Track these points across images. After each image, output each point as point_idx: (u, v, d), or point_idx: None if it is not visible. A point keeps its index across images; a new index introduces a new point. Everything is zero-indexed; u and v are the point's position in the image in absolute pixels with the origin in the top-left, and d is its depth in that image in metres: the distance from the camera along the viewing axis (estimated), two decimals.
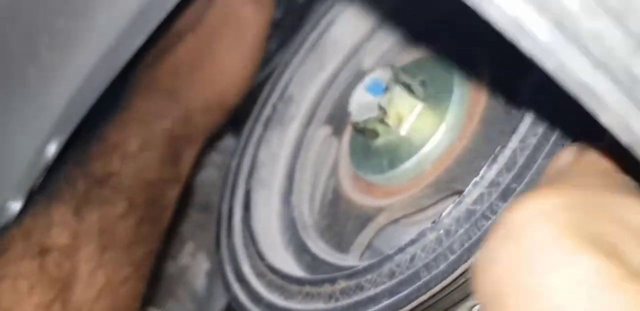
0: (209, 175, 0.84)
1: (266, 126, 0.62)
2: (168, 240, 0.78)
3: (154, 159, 0.64)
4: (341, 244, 0.52)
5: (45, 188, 0.61)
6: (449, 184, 0.47)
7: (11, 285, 0.55)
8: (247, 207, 0.57)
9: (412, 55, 0.58)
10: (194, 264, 0.86)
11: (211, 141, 0.71)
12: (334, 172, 0.58)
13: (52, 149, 0.60)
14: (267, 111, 0.63)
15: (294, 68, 0.64)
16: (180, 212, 0.81)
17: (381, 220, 0.51)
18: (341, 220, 0.53)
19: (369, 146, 0.53)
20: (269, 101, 0.64)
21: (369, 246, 0.53)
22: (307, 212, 0.57)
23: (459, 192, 0.42)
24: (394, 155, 0.51)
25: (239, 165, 0.61)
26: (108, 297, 0.58)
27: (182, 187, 0.67)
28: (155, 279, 0.76)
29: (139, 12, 0.59)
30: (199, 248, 0.85)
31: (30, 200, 0.60)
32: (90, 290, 0.57)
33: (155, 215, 0.63)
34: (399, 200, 0.50)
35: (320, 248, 0.52)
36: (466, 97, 0.50)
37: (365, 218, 0.51)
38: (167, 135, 0.65)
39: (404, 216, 0.51)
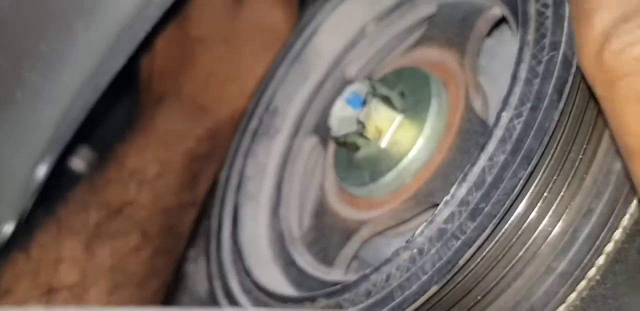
0: None
1: (253, 139, 0.63)
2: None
3: (172, 185, 0.61)
4: (326, 257, 0.52)
5: (54, 209, 0.58)
6: (427, 198, 0.47)
7: None
8: (235, 222, 0.58)
9: (393, 64, 0.58)
10: (195, 270, 0.87)
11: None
12: (320, 183, 0.58)
13: (42, 170, 0.61)
14: (253, 124, 0.64)
15: (279, 79, 0.64)
16: None
17: (364, 233, 0.51)
18: (327, 232, 0.54)
19: (351, 159, 0.54)
20: (255, 113, 0.64)
21: (355, 257, 0.53)
22: (295, 225, 0.58)
23: (437, 206, 0.42)
24: (375, 168, 0.51)
25: (227, 178, 0.62)
26: None
27: (199, 210, 0.64)
28: None
29: (119, 34, 0.59)
30: (200, 254, 0.87)
31: (38, 220, 0.58)
32: None
33: (171, 244, 0.61)
34: (381, 213, 0.51)
35: (307, 262, 0.53)
36: (444, 108, 0.50)
37: (349, 231, 0.52)
38: (188, 157, 0.62)
39: (387, 228, 0.51)
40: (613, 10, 0.31)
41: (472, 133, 0.46)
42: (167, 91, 0.66)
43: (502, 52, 0.53)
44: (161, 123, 0.63)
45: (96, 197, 0.59)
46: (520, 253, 0.38)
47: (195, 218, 0.64)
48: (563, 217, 0.38)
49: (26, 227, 0.60)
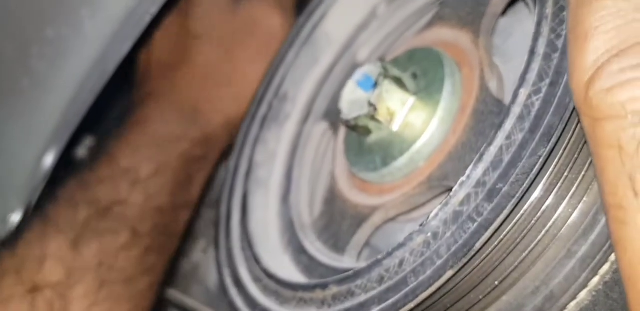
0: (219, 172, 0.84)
1: (262, 125, 0.61)
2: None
3: (166, 185, 0.60)
4: (338, 244, 0.51)
5: (42, 206, 0.58)
6: (441, 182, 0.46)
7: None
8: (244, 209, 0.56)
9: (405, 45, 0.57)
10: (205, 260, 0.86)
11: (224, 156, 0.66)
12: (331, 169, 0.57)
13: (49, 159, 0.60)
14: (262, 109, 0.62)
15: (288, 64, 0.63)
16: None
17: (376, 219, 0.50)
18: (337, 219, 0.52)
19: (362, 143, 0.52)
20: (265, 99, 0.63)
21: (367, 244, 0.52)
22: (305, 212, 0.56)
23: (451, 190, 0.41)
24: (387, 152, 0.50)
25: (236, 165, 0.60)
26: None
27: (194, 211, 0.63)
28: (171, 277, 0.76)
29: (124, 18, 0.58)
30: (210, 245, 0.86)
31: (26, 218, 0.58)
32: None
33: (163, 243, 0.60)
34: (393, 198, 0.49)
35: (317, 249, 0.51)
36: (458, 88, 0.48)
37: (360, 217, 0.50)
38: (184, 159, 0.61)
39: (400, 214, 0.50)
40: (609, 38, 0.30)
41: (487, 114, 0.45)
42: (161, 88, 0.64)
43: (518, 31, 0.51)
44: (155, 123, 0.62)
45: (86, 194, 0.58)
46: (540, 236, 0.36)
47: (189, 219, 0.63)
48: (584, 198, 0.36)
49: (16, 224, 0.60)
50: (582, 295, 0.37)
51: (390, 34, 0.60)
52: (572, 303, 0.37)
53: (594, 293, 0.36)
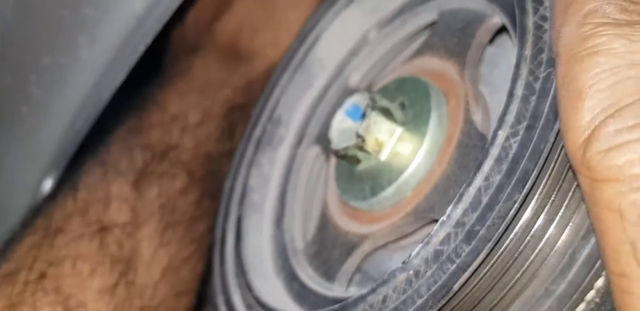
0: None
1: (257, 148, 0.63)
2: None
3: (214, 132, 0.61)
4: (328, 272, 0.52)
5: (96, 154, 0.56)
6: (427, 214, 0.47)
7: (71, 267, 0.50)
8: (238, 234, 0.57)
9: (395, 72, 0.57)
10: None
11: None
12: (323, 195, 0.58)
13: (49, 184, 0.61)
14: (257, 133, 0.63)
15: (282, 87, 0.64)
16: None
17: (366, 248, 0.51)
18: (328, 246, 0.53)
19: (352, 171, 0.53)
20: (259, 122, 0.64)
21: (358, 269, 0.53)
22: (298, 236, 0.57)
23: (437, 221, 0.42)
24: (376, 182, 0.51)
25: (231, 189, 0.61)
26: (171, 278, 0.54)
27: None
28: None
29: (120, 47, 0.59)
30: None
31: (82, 167, 0.56)
32: (153, 271, 0.53)
33: (215, 188, 0.60)
34: (382, 227, 0.50)
35: (309, 276, 0.52)
36: (444, 120, 0.49)
37: (350, 245, 0.51)
38: (227, 106, 0.62)
39: (388, 243, 0.51)
40: (604, 97, 0.30)
41: (471, 147, 0.46)
42: (201, 40, 0.65)
43: (505, 61, 0.52)
44: (199, 71, 0.63)
45: (139, 140, 0.58)
46: (518, 276, 0.37)
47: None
48: (561, 239, 0.37)
49: (71, 172, 0.59)
50: None
51: (381, 59, 0.61)
52: None
53: None
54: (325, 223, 0.55)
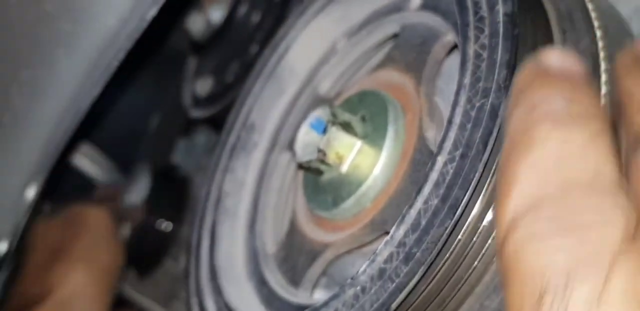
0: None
1: (231, 154, 0.65)
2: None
3: None
4: (294, 277, 0.55)
5: None
6: (382, 226, 0.49)
7: None
8: (213, 238, 0.60)
9: (359, 84, 0.59)
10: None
11: None
12: (292, 201, 0.61)
13: (32, 192, 0.64)
14: (232, 139, 0.66)
15: (255, 95, 0.66)
16: (180, 215, 0.86)
17: (328, 255, 0.53)
18: (295, 252, 0.56)
19: (317, 181, 0.55)
20: (234, 129, 0.66)
21: (324, 273, 0.56)
22: (269, 241, 0.60)
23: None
24: (337, 193, 0.53)
25: (207, 194, 0.64)
26: None
27: None
28: (160, 281, 0.81)
29: (95, 60, 0.61)
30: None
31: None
32: None
33: None
34: (343, 236, 0.53)
35: (277, 281, 0.55)
36: (400, 134, 0.51)
37: (314, 253, 0.54)
38: None
39: (349, 251, 0.53)
40: (528, 193, 0.30)
41: (422, 164, 0.48)
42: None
43: None
44: None
45: None
46: (454, 293, 0.40)
47: None
48: (494, 260, 0.39)
49: None
50: None
51: (350, 68, 0.63)
52: None
53: None
54: (293, 230, 0.58)
